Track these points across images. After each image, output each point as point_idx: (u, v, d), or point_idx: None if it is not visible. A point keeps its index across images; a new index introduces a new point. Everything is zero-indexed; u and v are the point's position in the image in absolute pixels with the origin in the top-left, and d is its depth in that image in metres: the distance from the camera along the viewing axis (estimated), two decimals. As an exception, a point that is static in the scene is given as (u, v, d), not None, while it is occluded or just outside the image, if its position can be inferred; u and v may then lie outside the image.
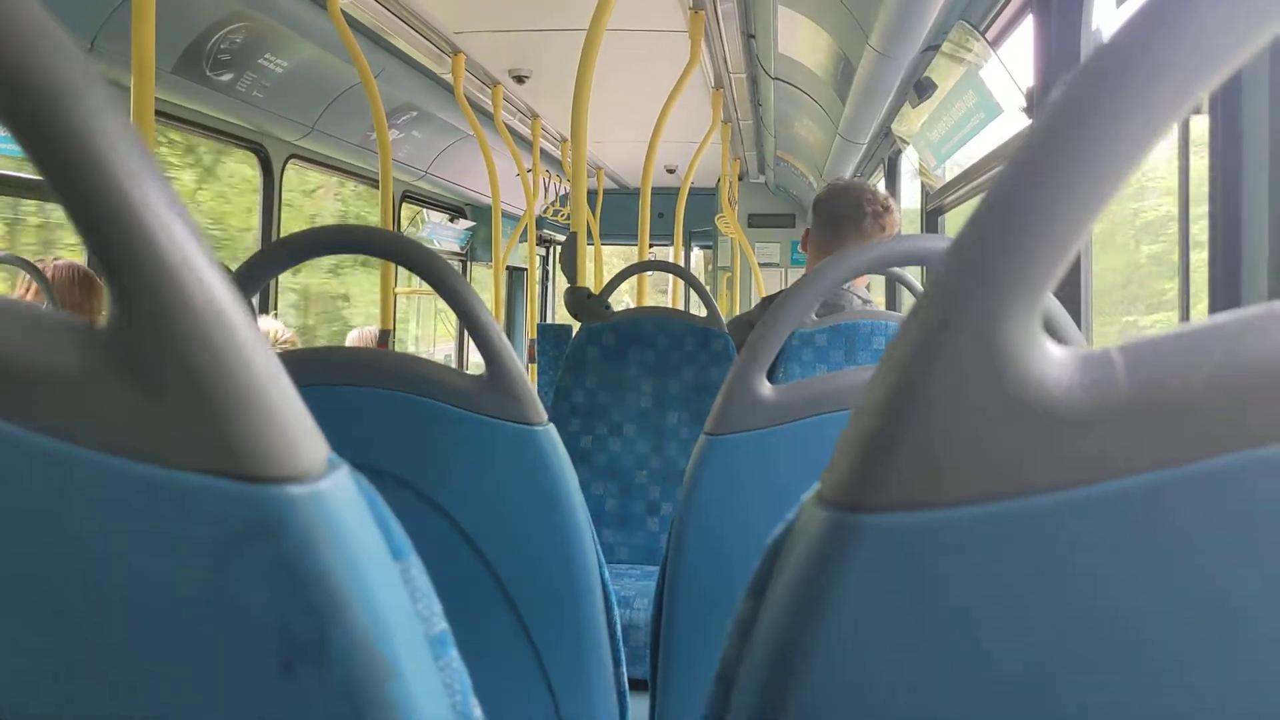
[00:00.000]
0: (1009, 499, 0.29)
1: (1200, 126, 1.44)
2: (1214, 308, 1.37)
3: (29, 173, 3.42)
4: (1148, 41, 0.28)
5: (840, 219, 2.43)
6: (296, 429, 0.32)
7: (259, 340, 0.31)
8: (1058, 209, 0.28)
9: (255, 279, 1.10)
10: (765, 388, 1.06)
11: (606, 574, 1.12)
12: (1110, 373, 0.29)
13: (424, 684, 0.35)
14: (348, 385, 1.07)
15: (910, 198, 4.50)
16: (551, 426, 1.08)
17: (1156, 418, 0.29)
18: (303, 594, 0.31)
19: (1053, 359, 0.29)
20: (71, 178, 0.29)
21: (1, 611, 0.32)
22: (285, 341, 3.61)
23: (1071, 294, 2.00)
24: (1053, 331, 0.97)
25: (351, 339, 5.28)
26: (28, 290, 3.07)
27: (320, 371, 1.07)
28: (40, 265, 3.04)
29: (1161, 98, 0.28)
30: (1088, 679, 0.30)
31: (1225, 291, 1.32)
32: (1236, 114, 1.28)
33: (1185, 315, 1.55)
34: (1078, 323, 1.89)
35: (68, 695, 0.32)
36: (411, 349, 8.04)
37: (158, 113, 2.35)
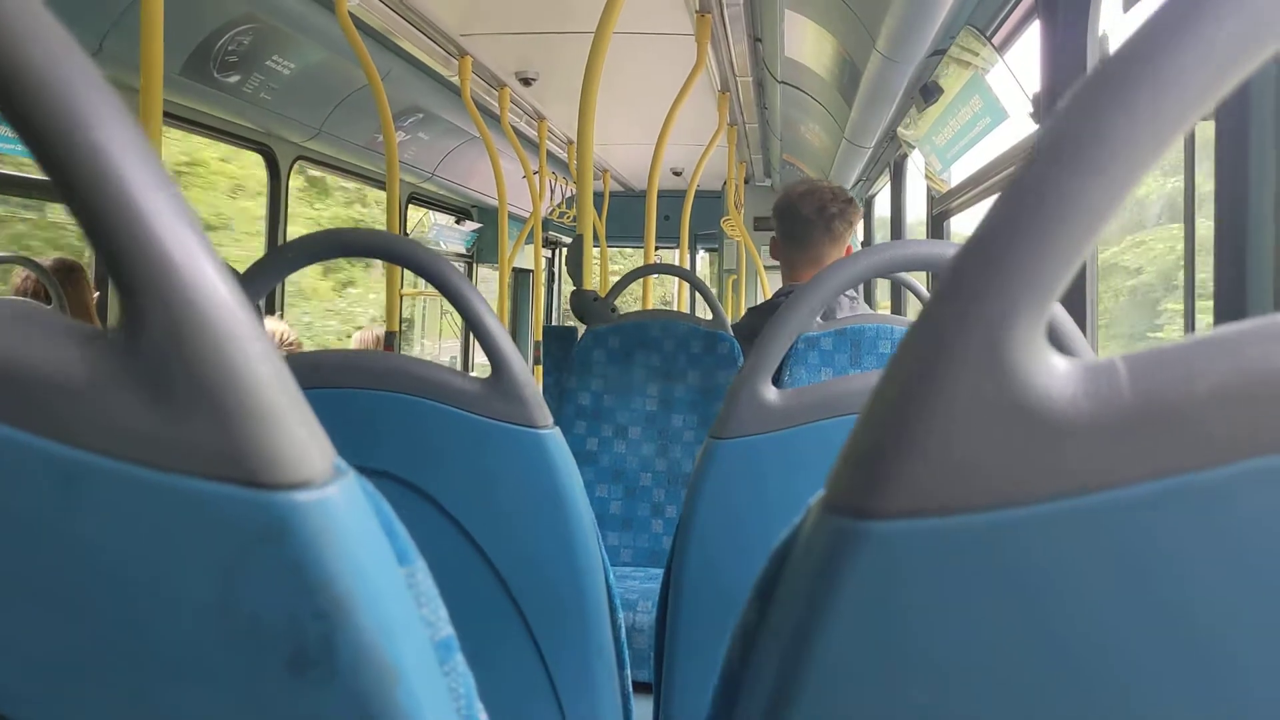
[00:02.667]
0: (1014, 507, 0.29)
1: (1206, 133, 1.44)
2: (1219, 318, 1.37)
3: (30, 172, 3.43)
4: (1156, 50, 0.28)
5: (808, 223, 2.43)
6: (304, 436, 0.32)
7: (268, 348, 0.32)
8: (1063, 219, 0.29)
9: (261, 282, 1.11)
10: (771, 392, 1.07)
11: (612, 578, 1.12)
12: (1115, 383, 0.29)
13: (430, 689, 0.35)
14: (354, 388, 1.07)
15: (916, 202, 4.50)
16: (557, 430, 1.09)
17: (1160, 427, 0.29)
18: (310, 599, 0.32)
19: (1057, 369, 0.30)
20: (84, 189, 0.30)
21: (12, 616, 0.32)
22: (290, 344, 3.62)
23: (1076, 301, 2.00)
24: (1059, 340, 0.98)
25: (356, 340, 5.29)
26: (25, 284, 3.08)
27: (327, 374, 1.07)
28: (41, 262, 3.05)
29: (1170, 107, 0.28)
30: (1093, 685, 0.30)
31: (1230, 302, 1.32)
32: (1244, 121, 1.28)
33: (1190, 326, 1.55)
34: (1082, 330, 1.89)
35: (78, 699, 0.33)
36: (417, 351, 8.05)
37: (165, 114, 2.36)
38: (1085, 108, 0.29)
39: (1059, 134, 0.29)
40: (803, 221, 2.44)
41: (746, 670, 0.36)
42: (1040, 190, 0.29)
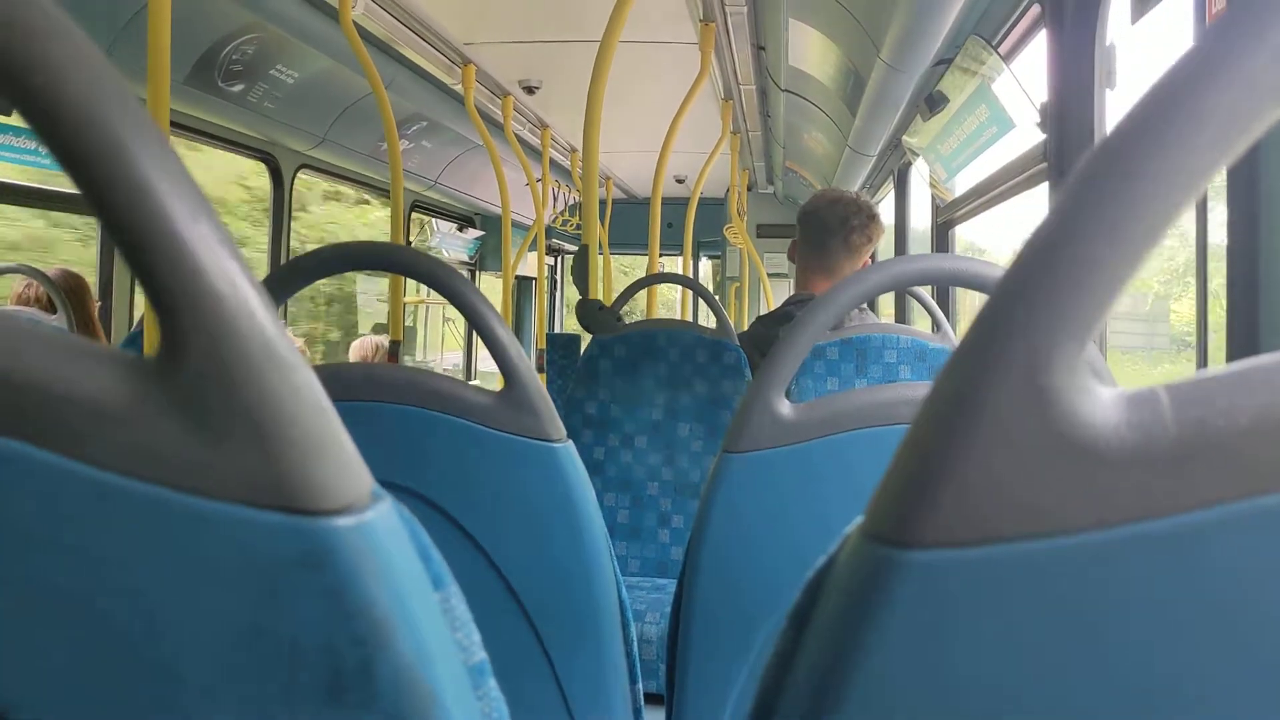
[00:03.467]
0: (1058, 537, 0.29)
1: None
2: (1231, 354, 1.37)
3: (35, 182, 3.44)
4: (1193, 85, 0.28)
5: (827, 232, 2.46)
6: (344, 462, 0.32)
7: (308, 375, 0.32)
8: (1109, 247, 0.29)
9: (273, 297, 1.11)
10: (784, 405, 1.06)
11: (624, 591, 1.12)
12: (1158, 412, 0.29)
13: (465, 713, 0.35)
14: (366, 401, 1.07)
15: (920, 210, 4.50)
16: (570, 444, 1.09)
17: (1203, 457, 0.29)
18: (349, 624, 0.32)
19: (1100, 399, 0.30)
20: (125, 217, 0.30)
21: (49, 640, 0.32)
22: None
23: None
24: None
25: (355, 347, 5.30)
26: (26, 292, 3.09)
27: (338, 387, 1.07)
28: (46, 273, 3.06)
29: (1207, 143, 0.28)
30: (1142, 717, 0.30)
31: (1244, 335, 1.31)
32: (1254, 157, 1.28)
33: (1203, 360, 1.55)
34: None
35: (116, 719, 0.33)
36: (420, 359, 8.06)
37: (169, 123, 2.36)
38: (1123, 143, 0.29)
39: (1108, 158, 0.29)
40: (823, 229, 2.46)
41: (781, 699, 0.36)
42: (1087, 215, 0.29)
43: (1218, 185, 1.41)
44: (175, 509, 0.31)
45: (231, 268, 0.31)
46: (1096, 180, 0.29)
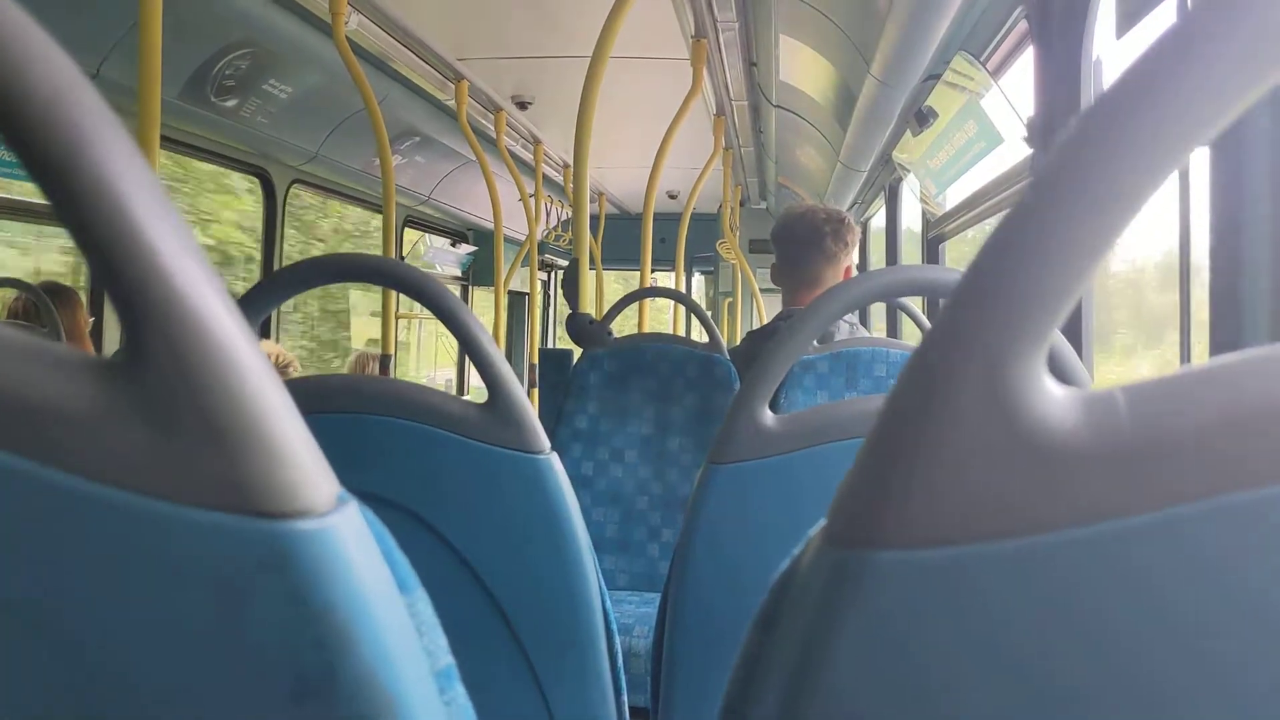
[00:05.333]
0: (1015, 537, 0.30)
1: (1199, 156, 1.44)
2: (1214, 349, 1.37)
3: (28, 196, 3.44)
4: (1153, 80, 0.29)
5: (803, 244, 2.48)
6: (307, 465, 0.32)
7: (272, 378, 0.32)
8: (1063, 250, 0.29)
9: (258, 308, 1.11)
10: (769, 417, 1.07)
11: (609, 603, 1.12)
12: (1114, 413, 0.29)
13: (429, 718, 0.35)
14: (350, 413, 1.07)
15: (911, 224, 4.51)
16: (554, 455, 1.09)
17: (1160, 457, 0.29)
18: (311, 629, 0.32)
19: (1057, 399, 0.30)
20: (85, 217, 0.30)
21: (12, 644, 0.32)
22: (285, 365, 3.62)
23: (1073, 329, 2.01)
24: (1058, 368, 0.98)
25: (352, 360, 5.29)
26: (15, 304, 3.09)
27: (323, 399, 1.07)
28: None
29: (1167, 137, 0.28)
30: (1095, 715, 0.30)
31: (1225, 331, 1.32)
32: (1238, 145, 1.29)
33: (1186, 357, 1.55)
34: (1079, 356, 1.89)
35: None
36: (412, 376, 8.04)
37: (161, 138, 2.36)
38: (1086, 138, 0.29)
39: (1061, 163, 0.29)
40: (798, 243, 2.48)
41: (748, 702, 0.36)
42: (1041, 219, 0.29)
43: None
44: (135, 512, 0.31)
45: (193, 269, 0.31)
46: (1047, 185, 0.29)
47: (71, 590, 0.31)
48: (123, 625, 0.32)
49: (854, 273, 2.60)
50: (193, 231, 0.32)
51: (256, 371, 0.31)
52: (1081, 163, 0.29)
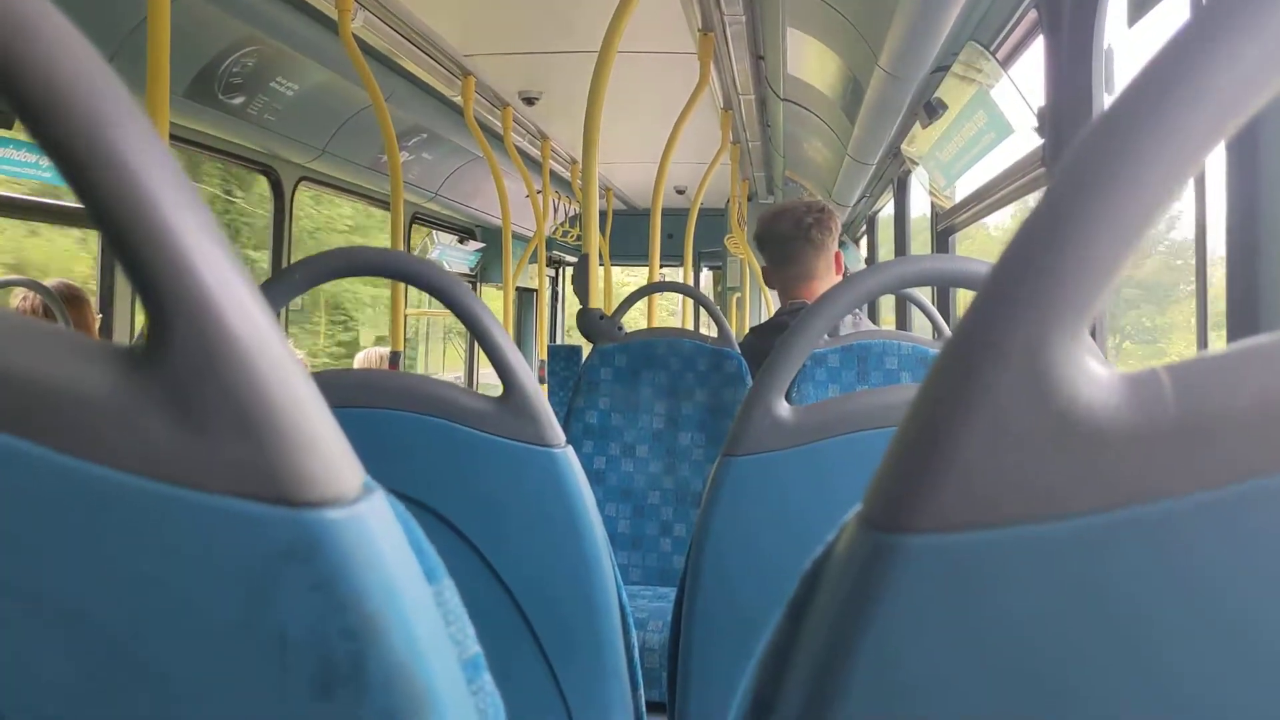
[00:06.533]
0: (1056, 520, 0.29)
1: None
2: (1232, 334, 1.36)
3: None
4: (1189, 64, 0.28)
5: (787, 239, 2.50)
6: (334, 453, 0.32)
7: (298, 367, 0.32)
8: (1102, 232, 0.28)
9: (270, 303, 1.10)
10: (783, 408, 1.06)
11: (625, 597, 1.12)
12: (1158, 393, 0.29)
13: (459, 708, 0.34)
14: (366, 408, 1.07)
15: (919, 218, 4.50)
16: (569, 449, 1.08)
17: (1204, 438, 0.29)
18: (340, 617, 0.31)
19: (1100, 380, 0.29)
20: (113, 208, 0.29)
21: (37, 634, 0.32)
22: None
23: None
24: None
25: (359, 360, 5.29)
26: (24, 305, 3.09)
27: (339, 393, 1.07)
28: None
29: (1202, 121, 0.28)
30: (1131, 700, 0.29)
31: (1242, 316, 1.31)
32: (1254, 135, 1.28)
33: (1203, 342, 1.55)
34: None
35: (104, 717, 0.32)
36: (421, 372, 8.05)
37: (169, 136, 2.37)
38: (1119, 121, 0.29)
39: (1098, 146, 0.29)
40: (782, 240, 2.51)
41: (779, 692, 0.35)
42: (1078, 203, 0.29)
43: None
44: (162, 501, 0.31)
45: (218, 257, 0.30)
46: (1091, 161, 0.29)
47: (98, 579, 0.31)
48: (150, 614, 0.31)
49: (842, 260, 2.60)
50: (218, 221, 0.32)
51: (283, 360, 0.31)
52: (1115, 144, 0.28)
